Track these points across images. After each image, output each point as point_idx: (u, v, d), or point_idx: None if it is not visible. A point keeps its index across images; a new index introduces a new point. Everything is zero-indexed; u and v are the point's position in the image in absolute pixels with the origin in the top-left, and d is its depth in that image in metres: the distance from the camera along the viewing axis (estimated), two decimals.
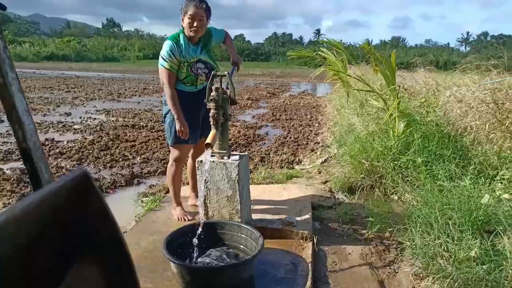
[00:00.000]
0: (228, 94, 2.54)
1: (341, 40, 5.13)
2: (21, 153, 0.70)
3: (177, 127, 2.67)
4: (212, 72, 2.61)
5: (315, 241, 2.60)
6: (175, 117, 2.65)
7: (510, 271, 1.90)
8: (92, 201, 0.38)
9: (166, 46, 2.64)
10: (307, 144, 6.17)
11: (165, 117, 2.84)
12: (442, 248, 2.15)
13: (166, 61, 2.62)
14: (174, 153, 2.88)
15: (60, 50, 52.38)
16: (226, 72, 2.61)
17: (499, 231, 2.19)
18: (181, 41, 2.66)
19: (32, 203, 0.33)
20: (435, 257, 2.12)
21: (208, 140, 2.37)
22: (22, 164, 4.60)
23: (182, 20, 2.65)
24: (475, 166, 3.22)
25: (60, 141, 5.88)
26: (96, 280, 0.39)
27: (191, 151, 3.03)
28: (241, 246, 2.34)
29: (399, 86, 4.30)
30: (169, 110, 2.71)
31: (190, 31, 2.63)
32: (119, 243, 0.40)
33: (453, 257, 2.08)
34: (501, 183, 2.98)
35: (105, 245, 0.40)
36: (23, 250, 0.33)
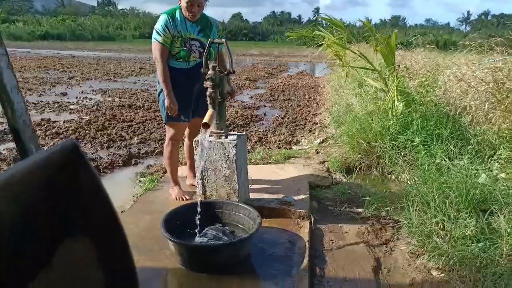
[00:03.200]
0: (225, 65, 2.49)
1: (341, 19, 5.02)
2: (11, 132, 0.68)
3: (166, 103, 2.64)
4: (209, 40, 2.55)
5: (312, 220, 2.62)
6: (165, 93, 2.63)
7: (505, 249, 1.93)
8: (82, 173, 0.36)
9: (161, 20, 2.60)
10: (305, 124, 6.15)
11: (159, 95, 2.81)
12: (439, 226, 2.17)
13: (160, 35, 2.58)
14: (169, 132, 2.87)
15: (55, 29, 51.42)
16: (223, 40, 2.55)
17: (495, 209, 2.21)
18: (177, 16, 2.61)
19: (15, 175, 0.31)
20: (431, 235, 2.14)
21: (206, 119, 2.35)
22: None
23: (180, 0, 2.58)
24: (473, 146, 3.22)
25: (57, 121, 5.83)
26: (88, 253, 0.38)
27: (187, 130, 3.01)
28: (239, 225, 2.36)
29: (399, 66, 4.25)
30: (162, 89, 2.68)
31: (188, 14, 2.58)
32: (111, 216, 0.39)
33: (449, 235, 2.10)
34: (498, 162, 2.99)
35: (98, 218, 0.38)
36: (12, 222, 0.31)
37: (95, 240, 0.39)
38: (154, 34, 2.62)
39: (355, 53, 4.56)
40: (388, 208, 2.69)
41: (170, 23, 2.58)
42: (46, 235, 0.35)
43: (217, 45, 2.61)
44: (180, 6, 2.62)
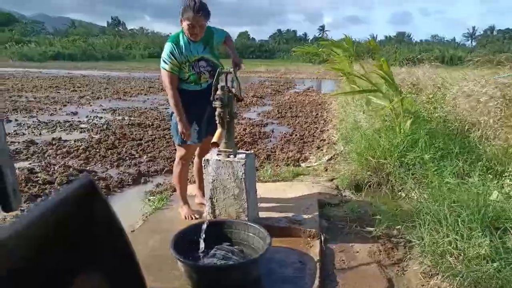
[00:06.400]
0: (234, 92, 2.54)
1: (349, 36, 5.03)
2: None
3: (179, 129, 2.68)
4: (218, 69, 2.60)
5: (322, 239, 2.59)
6: (177, 119, 2.67)
7: None
8: (98, 209, 0.37)
9: (167, 48, 2.64)
10: (313, 141, 6.15)
11: (171, 116, 2.85)
12: (452, 245, 2.13)
13: (167, 63, 2.63)
14: (180, 152, 2.89)
15: (65, 49, 52.63)
16: (231, 69, 2.60)
17: (509, 228, 2.17)
18: (181, 42, 2.65)
19: (36, 217, 0.33)
20: (444, 255, 2.10)
21: (215, 139, 2.37)
22: (30, 164, 4.64)
23: (181, 22, 2.62)
24: (483, 163, 3.19)
25: (67, 140, 5.92)
26: (102, 286, 0.39)
27: (198, 149, 3.03)
28: (249, 244, 2.34)
29: (400, 85, 4.26)
30: None
31: (190, 36, 2.63)
32: (127, 251, 0.40)
33: (462, 254, 2.06)
34: (510, 179, 2.95)
35: (112, 254, 0.39)
36: (27, 264, 0.32)
37: (109, 274, 0.40)
38: (162, 63, 2.66)
39: (357, 76, 4.58)
40: (399, 226, 2.65)
41: (175, 50, 2.62)
42: (61, 271, 0.36)
43: (225, 75, 2.64)
44: (182, 29, 2.67)
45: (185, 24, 2.59)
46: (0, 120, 0.72)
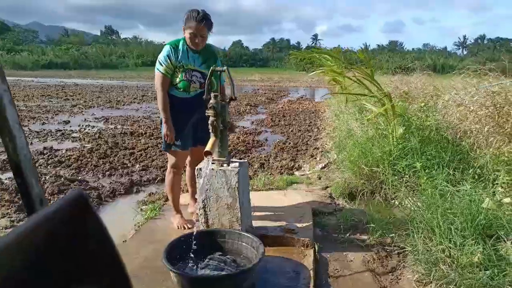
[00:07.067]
0: (228, 97, 2.53)
1: (338, 45, 5.09)
2: (11, 167, 0.69)
3: (164, 131, 2.70)
4: (211, 67, 2.59)
5: (316, 248, 2.58)
6: (163, 120, 2.70)
7: None
8: (89, 223, 0.37)
9: (164, 50, 2.68)
10: (306, 149, 6.16)
11: (161, 123, 2.85)
12: (445, 253, 2.13)
13: (162, 65, 2.66)
14: (170, 159, 2.90)
15: (58, 58, 52.53)
16: (225, 67, 2.60)
17: (501, 236, 2.18)
18: (180, 47, 2.69)
19: (26, 231, 0.32)
20: (438, 263, 2.10)
21: (208, 147, 2.36)
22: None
23: (184, 30, 2.65)
24: (474, 170, 3.21)
25: (59, 150, 5.86)
26: None
27: (189, 158, 3.02)
28: (242, 254, 2.32)
29: (387, 92, 4.30)
30: None
31: (191, 45, 2.66)
32: (118, 265, 0.39)
33: (456, 262, 2.06)
34: (502, 187, 2.97)
35: (104, 268, 0.39)
36: (17, 277, 0.32)
37: (100, 285, 0.39)
38: (157, 65, 2.69)
39: (351, 79, 4.63)
40: (393, 234, 2.65)
41: (172, 53, 2.65)
42: (52, 285, 0.35)
43: (219, 74, 2.66)
44: (184, 37, 2.69)
45: (187, 33, 2.62)
46: (22, 129, 0.71)
